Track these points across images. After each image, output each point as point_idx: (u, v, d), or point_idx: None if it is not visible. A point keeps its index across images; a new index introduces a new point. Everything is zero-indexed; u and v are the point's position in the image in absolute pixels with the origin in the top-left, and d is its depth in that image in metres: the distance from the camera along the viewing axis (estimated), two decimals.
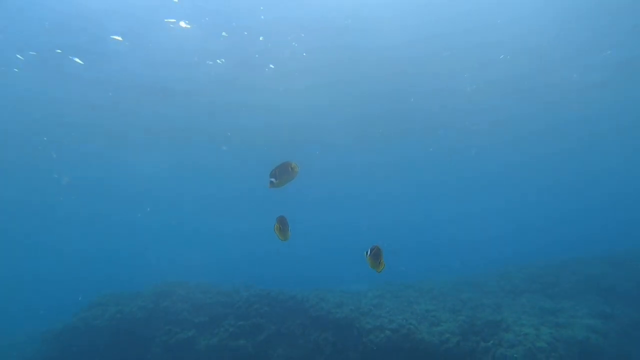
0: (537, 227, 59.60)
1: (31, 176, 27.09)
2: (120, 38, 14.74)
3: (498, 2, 14.29)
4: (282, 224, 4.64)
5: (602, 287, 13.14)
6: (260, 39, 15.40)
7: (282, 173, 4.33)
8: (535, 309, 12.14)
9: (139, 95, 18.73)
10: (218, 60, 16.62)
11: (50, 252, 50.13)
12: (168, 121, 21.71)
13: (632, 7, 14.53)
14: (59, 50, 15.02)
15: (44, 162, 25.27)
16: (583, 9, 14.59)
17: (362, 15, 14.48)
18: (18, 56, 15.05)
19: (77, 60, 15.70)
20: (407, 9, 14.34)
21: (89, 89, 17.81)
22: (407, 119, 23.28)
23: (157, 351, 11.71)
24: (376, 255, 4.82)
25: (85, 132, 22.06)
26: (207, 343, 11.80)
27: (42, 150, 23.74)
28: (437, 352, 10.33)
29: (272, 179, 4.28)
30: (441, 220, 55.61)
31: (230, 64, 16.88)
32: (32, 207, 33.50)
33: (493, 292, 13.87)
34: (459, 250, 50.00)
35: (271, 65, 17.20)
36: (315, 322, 12.04)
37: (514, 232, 61.58)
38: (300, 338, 11.92)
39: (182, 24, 14.22)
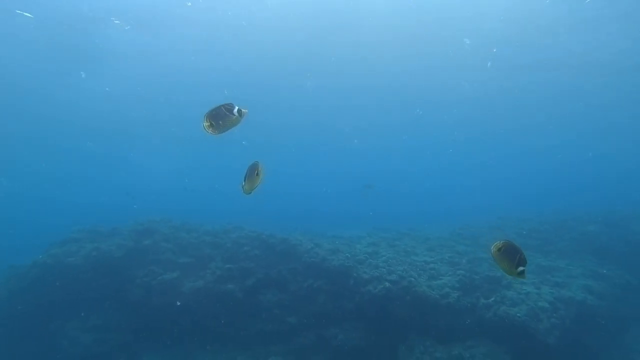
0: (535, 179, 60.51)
1: None
2: None
3: None
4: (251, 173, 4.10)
5: (596, 246, 13.11)
6: None
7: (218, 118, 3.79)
8: (532, 265, 11.95)
9: None
10: None
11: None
12: None
13: None
14: None
15: None
16: None
17: None
18: None
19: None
20: None
21: None
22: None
23: (138, 292, 10.86)
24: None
25: None
26: (192, 286, 11.04)
27: None
28: (438, 307, 10.04)
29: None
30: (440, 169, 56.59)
31: None
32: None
33: (489, 245, 13.58)
34: (456, 199, 51.22)
35: None
36: (308, 269, 11.44)
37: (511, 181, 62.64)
38: (292, 284, 11.36)
39: None
